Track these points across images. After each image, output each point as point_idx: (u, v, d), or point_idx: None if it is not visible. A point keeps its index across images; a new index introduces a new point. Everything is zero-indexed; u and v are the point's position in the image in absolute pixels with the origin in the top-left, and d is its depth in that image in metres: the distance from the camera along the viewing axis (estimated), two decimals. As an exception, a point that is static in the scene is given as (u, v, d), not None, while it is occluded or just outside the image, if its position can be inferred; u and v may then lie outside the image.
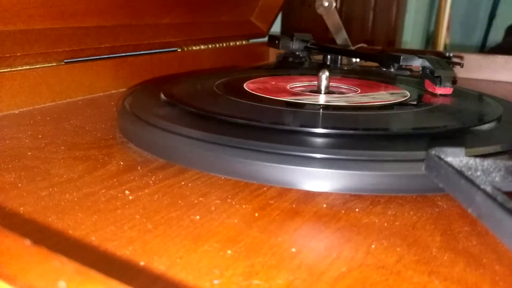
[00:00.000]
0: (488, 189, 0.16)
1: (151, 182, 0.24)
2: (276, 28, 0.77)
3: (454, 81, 0.39)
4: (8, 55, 0.37)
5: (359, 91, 0.39)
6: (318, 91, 0.37)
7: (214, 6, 0.62)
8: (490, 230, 0.15)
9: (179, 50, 0.58)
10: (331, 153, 0.23)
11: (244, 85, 0.39)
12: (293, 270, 0.17)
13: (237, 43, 0.69)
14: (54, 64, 0.42)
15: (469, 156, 0.19)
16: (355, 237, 0.20)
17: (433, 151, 0.20)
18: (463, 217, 0.22)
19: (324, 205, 0.22)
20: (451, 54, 0.54)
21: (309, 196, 0.23)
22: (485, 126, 0.29)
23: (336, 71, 0.52)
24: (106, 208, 0.21)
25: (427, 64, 0.40)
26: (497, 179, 0.17)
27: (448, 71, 0.38)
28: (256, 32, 0.71)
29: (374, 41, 1.73)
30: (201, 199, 0.23)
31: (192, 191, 0.23)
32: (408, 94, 0.37)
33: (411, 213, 0.22)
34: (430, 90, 0.39)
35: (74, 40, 0.43)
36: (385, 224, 0.21)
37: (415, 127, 0.30)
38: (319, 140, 0.25)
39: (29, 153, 0.28)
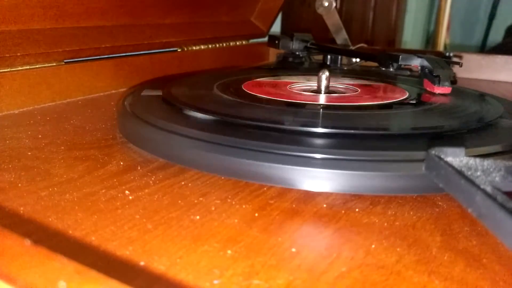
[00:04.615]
0: (488, 189, 0.16)
1: (151, 182, 0.24)
2: (276, 28, 0.77)
3: (454, 81, 0.39)
4: (8, 55, 0.37)
5: (359, 91, 0.39)
6: (318, 91, 0.37)
7: (214, 6, 0.62)
8: (490, 230, 0.15)
9: (179, 50, 0.58)
10: (331, 153, 0.23)
11: (244, 86, 0.39)
12: (293, 270, 0.17)
13: (237, 43, 0.69)
14: (54, 64, 0.42)
15: (469, 156, 0.19)
16: (355, 237, 0.20)
17: (433, 151, 0.20)
18: (463, 217, 0.22)
19: (324, 205, 0.22)
20: (451, 54, 0.54)
21: (309, 196, 0.23)
22: (485, 126, 0.29)
23: (336, 71, 0.52)
24: (106, 208, 0.21)
25: (425, 63, 0.40)
26: (497, 179, 0.17)
27: (447, 70, 0.38)
28: (256, 32, 0.71)
29: (374, 41, 1.73)
30: (201, 199, 0.23)
31: (192, 191, 0.23)
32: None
33: (411, 213, 0.22)
34: (429, 89, 0.39)
35: (74, 40, 0.43)
36: (385, 224, 0.21)
37: (415, 127, 0.30)
38: (319, 140, 0.25)
39: (29, 153, 0.28)
